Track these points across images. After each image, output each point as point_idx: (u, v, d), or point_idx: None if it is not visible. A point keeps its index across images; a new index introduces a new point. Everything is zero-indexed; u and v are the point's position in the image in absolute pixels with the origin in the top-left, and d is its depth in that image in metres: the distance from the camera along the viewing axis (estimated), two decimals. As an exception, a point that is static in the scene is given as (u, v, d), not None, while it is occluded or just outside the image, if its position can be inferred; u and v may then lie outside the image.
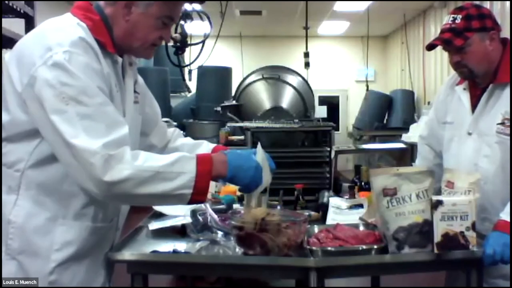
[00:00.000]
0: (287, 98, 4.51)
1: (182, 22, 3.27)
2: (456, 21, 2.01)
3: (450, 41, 2.01)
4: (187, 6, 3.40)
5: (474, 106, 2.10)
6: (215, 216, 2.01)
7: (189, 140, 2.03)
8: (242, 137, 4.76)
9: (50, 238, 1.53)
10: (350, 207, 2.29)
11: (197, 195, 1.54)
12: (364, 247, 1.77)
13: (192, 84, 7.29)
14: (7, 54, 1.65)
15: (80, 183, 1.48)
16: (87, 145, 1.41)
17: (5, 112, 1.53)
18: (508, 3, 6.21)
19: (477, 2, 7.22)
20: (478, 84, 2.11)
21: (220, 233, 1.94)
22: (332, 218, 2.22)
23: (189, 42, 3.53)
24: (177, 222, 2.06)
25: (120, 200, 1.59)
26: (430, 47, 2.14)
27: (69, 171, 1.49)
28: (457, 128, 2.16)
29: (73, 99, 1.43)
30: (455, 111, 2.19)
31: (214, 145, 1.97)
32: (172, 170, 1.51)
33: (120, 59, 1.65)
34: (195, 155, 1.57)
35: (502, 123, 1.99)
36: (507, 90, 2.00)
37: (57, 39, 1.47)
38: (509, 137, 1.97)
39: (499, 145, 2.00)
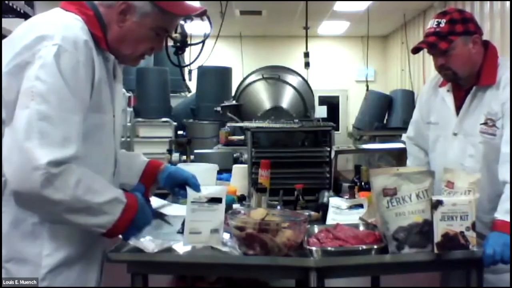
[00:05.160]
0: (287, 98, 4.50)
1: (182, 22, 3.26)
2: (441, 25, 2.08)
3: (435, 44, 2.08)
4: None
5: (457, 107, 2.17)
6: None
7: (124, 152, 1.92)
8: (242, 137, 4.76)
9: (40, 244, 1.48)
10: (350, 207, 2.29)
11: (107, 235, 1.53)
12: (364, 247, 1.77)
13: (192, 84, 7.30)
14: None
15: (8, 177, 1.39)
16: (35, 155, 1.34)
17: None
18: (508, 3, 6.22)
19: (477, 3, 7.24)
20: (461, 86, 2.18)
21: (226, 234, 1.90)
22: (332, 218, 2.22)
23: (189, 42, 3.52)
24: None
25: (31, 209, 1.46)
26: (415, 50, 2.20)
27: (4, 163, 1.38)
28: (442, 129, 2.23)
29: (41, 96, 1.36)
30: (438, 112, 2.26)
31: (148, 160, 1.89)
32: (101, 208, 1.46)
33: (112, 57, 1.63)
34: (126, 201, 1.52)
35: (485, 123, 2.08)
36: (489, 91, 2.09)
37: (50, 31, 1.43)
38: (492, 136, 2.05)
39: (483, 144, 2.08)
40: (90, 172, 1.47)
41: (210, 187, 1.82)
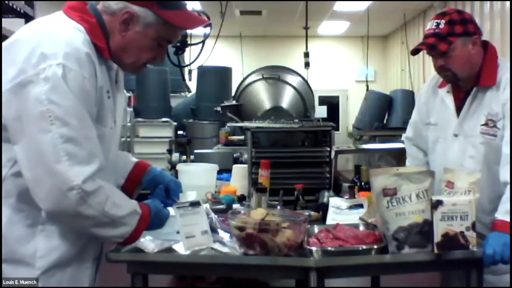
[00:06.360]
0: (287, 98, 4.51)
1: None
2: (440, 26, 2.07)
3: (434, 46, 2.06)
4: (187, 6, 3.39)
5: (457, 108, 2.17)
6: (216, 216, 2.01)
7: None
8: (242, 137, 4.76)
9: (34, 245, 1.50)
10: (350, 207, 2.29)
11: (122, 243, 1.63)
12: (364, 247, 1.77)
13: (192, 84, 7.30)
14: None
15: (41, 198, 1.44)
16: (68, 177, 1.41)
17: None
18: (508, 3, 6.21)
19: (477, 3, 7.23)
20: (460, 87, 2.17)
21: (226, 234, 1.90)
22: (332, 218, 2.22)
23: (189, 42, 3.52)
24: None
25: (62, 220, 1.52)
26: (415, 51, 2.18)
27: (33, 185, 1.44)
28: (442, 130, 2.22)
29: (59, 120, 1.40)
30: (438, 113, 2.26)
31: (135, 161, 1.90)
32: (122, 221, 1.54)
33: (115, 66, 1.63)
34: (141, 212, 1.59)
35: (486, 124, 2.07)
36: (489, 92, 2.08)
37: (52, 48, 1.42)
38: (493, 137, 2.05)
39: (484, 145, 2.08)
40: (111, 185, 1.54)
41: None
